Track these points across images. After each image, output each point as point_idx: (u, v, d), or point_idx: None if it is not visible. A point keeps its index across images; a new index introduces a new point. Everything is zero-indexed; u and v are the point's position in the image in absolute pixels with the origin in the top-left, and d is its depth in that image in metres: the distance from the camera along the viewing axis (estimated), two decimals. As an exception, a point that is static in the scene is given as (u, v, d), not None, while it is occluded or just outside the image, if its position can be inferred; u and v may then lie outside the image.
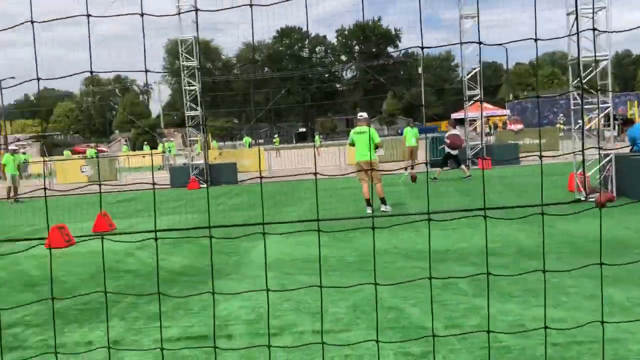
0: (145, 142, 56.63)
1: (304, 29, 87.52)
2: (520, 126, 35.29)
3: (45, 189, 1.92)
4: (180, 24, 19.60)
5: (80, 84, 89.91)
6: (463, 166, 16.24)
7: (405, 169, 18.41)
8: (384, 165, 18.87)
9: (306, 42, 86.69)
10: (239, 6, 1.84)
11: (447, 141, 15.91)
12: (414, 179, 16.14)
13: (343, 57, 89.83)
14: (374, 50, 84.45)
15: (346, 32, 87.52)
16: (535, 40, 2.22)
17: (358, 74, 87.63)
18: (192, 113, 20.30)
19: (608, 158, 10.74)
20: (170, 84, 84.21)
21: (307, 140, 68.15)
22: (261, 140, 73.80)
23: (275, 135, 62.25)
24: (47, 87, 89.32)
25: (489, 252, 6.89)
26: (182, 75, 20.16)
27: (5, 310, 5.66)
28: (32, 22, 1.69)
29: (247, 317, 4.98)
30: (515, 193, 12.29)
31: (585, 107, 11.13)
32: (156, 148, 44.80)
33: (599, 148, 10.63)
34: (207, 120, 19.63)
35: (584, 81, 10.42)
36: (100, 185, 2.08)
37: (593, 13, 10.41)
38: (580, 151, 2.65)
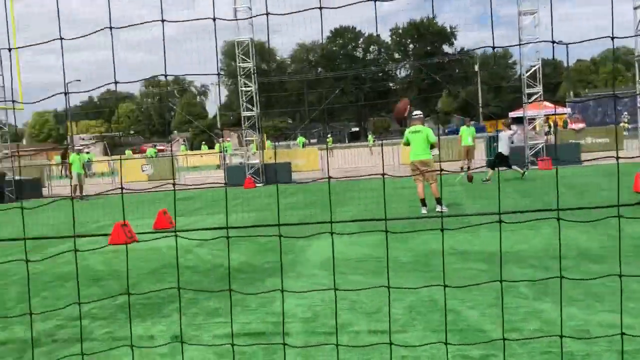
0: (203, 142, 57.98)
1: (358, 28, 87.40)
2: (581, 125, 34.10)
3: (122, 188, 2.01)
4: (237, 26, 19.95)
5: (140, 85, 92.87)
6: (515, 167, 15.85)
7: (462, 168, 18.11)
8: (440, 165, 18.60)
9: (360, 42, 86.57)
10: (310, 9, 1.86)
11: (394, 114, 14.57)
12: (470, 179, 15.85)
13: (397, 56, 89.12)
14: (428, 48, 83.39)
15: (400, 31, 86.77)
16: (612, 38, 2.15)
17: (412, 73, 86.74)
18: (248, 113, 20.64)
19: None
20: (226, 85, 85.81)
21: (360, 140, 68.02)
22: (314, 140, 74.23)
23: (329, 135, 62.42)
24: (109, 89, 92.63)
25: (549, 254, 6.70)
26: (239, 76, 20.52)
27: (73, 304, 5.92)
28: (110, 28, 1.78)
29: (303, 315, 5.03)
30: (576, 194, 11.88)
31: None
32: (213, 148, 45.78)
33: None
34: (262, 121, 19.87)
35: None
36: (174, 184, 2.15)
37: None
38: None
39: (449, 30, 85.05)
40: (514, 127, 19.84)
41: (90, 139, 66.71)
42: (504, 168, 15.77)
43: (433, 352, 3.95)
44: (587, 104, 55.08)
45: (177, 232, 2.34)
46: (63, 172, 31.62)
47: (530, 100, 20.07)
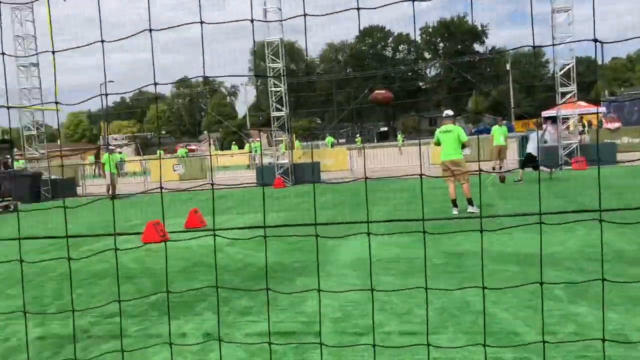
0: (233, 142, 58.48)
1: (387, 27, 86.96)
2: (617, 124, 33.26)
3: (161, 188, 2.04)
4: (267, 27, 20.05)
5: (171, 86, 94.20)
6: (543, 168, 15.59)
7: (493, 168, 17.87)
8: (470, 165, 18.41)
9: (389, 41, 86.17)
10: (347, 9, 1.86)
11: (376, 96, 13.88)
12: (502, 179, 15.65)
13: (427, 55, 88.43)
14: (458, 47, 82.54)
15: (430, 30, 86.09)
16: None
17: (442, 72, 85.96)
18: (278, 114, 20.73)
19: None
20: (255, 85, 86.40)
21: (389, 140, 67.68)
22: (343, 140, 74.12)
23: (357, 135, 62.29)
24: (141, 89, 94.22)
25: (584, 256, 6.56)
26: (268, 76, 20.63)
27: (107, 300, 6.04)
28: (150, 30, 1.80)
29: (333, 315, 5.02)
30: (613, 195, 11.61)
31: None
32: (243, 148, 46.16)
33: None
34: (291, 121, 19.98)
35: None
36: (212, 184, 2.17)
37: None
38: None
39: (479, 28, 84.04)
40: (544, 126, 19.51)
41: (123, 139, 67.93)
42: (530, 169, 15.55)
43: (465, 354, 3.91)
44: (623, 103, 53.73)
45: (215, 231, 2.36)
46: (96, 171, 32.28)
47: (564, 100, 19.68)
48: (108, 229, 11.76)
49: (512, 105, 69.47)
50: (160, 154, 41.10)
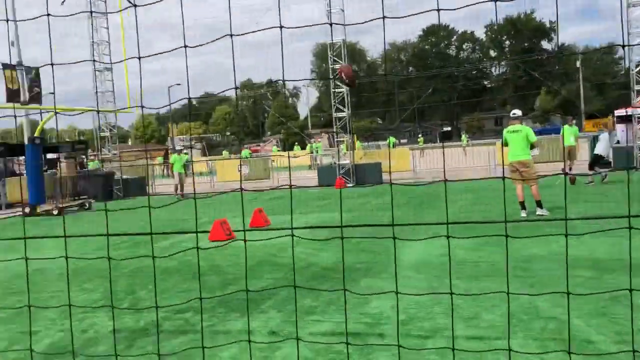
0: (296, 143, 59.11)
1: (452, 26, 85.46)
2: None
3: (242, 190, 2.10)
4: (331, 28, 20.15)
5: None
6: (600, 169, 14.93)
7: (564, 170, 17.24)
8: (539, 166, 17.85)
9: (453, 39, 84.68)
10: (429, 10, 1.85)
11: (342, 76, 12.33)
12: (572, 181, 15.09)
13: (492, 53, 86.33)
14: (525, 44, 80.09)
15: (495, 27, 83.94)
16: None
17: (508, 70, 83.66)
18: (339, 114, 20.80)
19: None
20: (317, 87, 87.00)
21: (452, 140, 66.48)
22: (404, 140, 73.45)
23: (419, 135, 61.58)
24: (207, 91, 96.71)
25: (664, 263, 6.22)
26: (331, 77, 20.73)
27: (176, 297, 6.25)
28: (231, 35, 1.87)
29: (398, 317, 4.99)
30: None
31: None
32: (305, 148, 46.57)
33: None
34: (352, 121, 20.06)
35: None
36: (291, 186, 2.22)
37: None
38: None
39: (547, 25, 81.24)
40: (617, 126, 18.68)
41: (190, 140, 69.91)
42: (592, 172, 14.97)
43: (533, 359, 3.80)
44: None
45: (293, 230, 2.40)
46: (165, 171, 33.40)
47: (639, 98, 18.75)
48: (176, 227, 12.14)
49: (582, 104, 66.71)
50: (246, 155, 41.41)
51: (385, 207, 13.18)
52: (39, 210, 17.12)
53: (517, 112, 10.54)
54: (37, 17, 2.41)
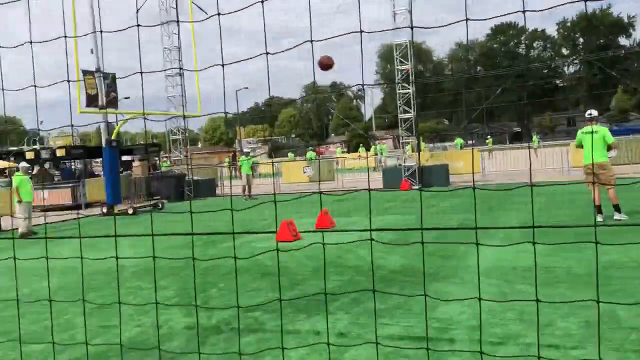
0: (360, 144, 59.06)
1: (521, 24, 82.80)
2: None
3: (320, 192, 2.13)
4: (396, 29, 20.01)
5: (301, 91, 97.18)
6: None
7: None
8: (617, 169, 17.11)
9: (522, 38, 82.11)
10: (514, 12, 1.83)
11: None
12: (653, 184, 14.30)
13: (564, 51, 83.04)
14: (601, 41, 76.53)
15: (568, 24, 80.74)
16: None
17: (582, 68, 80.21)
18: (405, 115, 20.61)
19: None
20: (382, 88, 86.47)
21: (522, 141, 64.41)
22: (472, 141, 71.78)
23: (488, 136, 60.04)
24: (274, 95, 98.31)
25: None
26: (396, 78, 20.59)
27: (246, 296, 6.39)
28: (311, 41, 1.92)
29: (467, 322, 4.91)
30: None
31: None
32: (369, 150, 46.47)
33: None
34: (418, 122, 19.87)
35: None
36: (369, 189, 2.24)
37: None
38: None
39: (626, 20, 77.34)
40: None
41: (256, 143, 71.26)
42: None
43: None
44: None
45: (371, 231, 2.42)
46: (233, 173, 34.15)
47: None
48: (244, 227, 12.41)
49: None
50: (311, 157, 41.85)
51: (452, 211, 12.95)
52: (115, 210, 17.93)
53: (593, 112, 10.11)
54: (125, 29, 2.54)
